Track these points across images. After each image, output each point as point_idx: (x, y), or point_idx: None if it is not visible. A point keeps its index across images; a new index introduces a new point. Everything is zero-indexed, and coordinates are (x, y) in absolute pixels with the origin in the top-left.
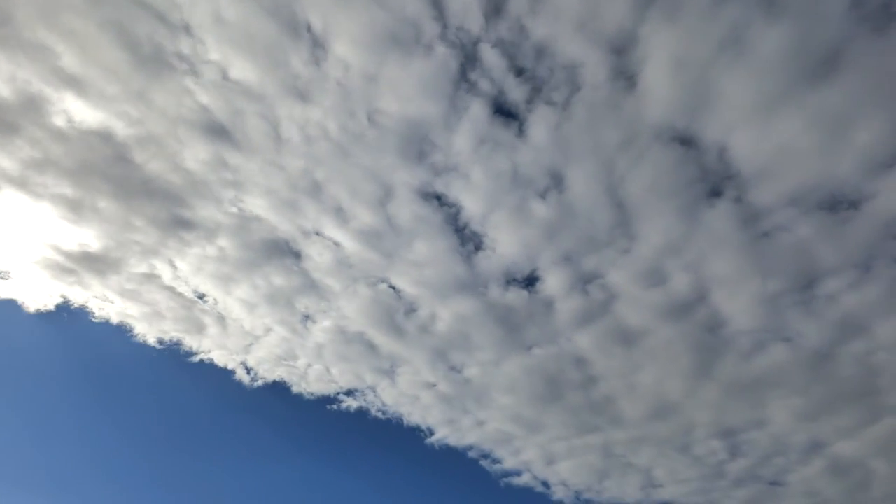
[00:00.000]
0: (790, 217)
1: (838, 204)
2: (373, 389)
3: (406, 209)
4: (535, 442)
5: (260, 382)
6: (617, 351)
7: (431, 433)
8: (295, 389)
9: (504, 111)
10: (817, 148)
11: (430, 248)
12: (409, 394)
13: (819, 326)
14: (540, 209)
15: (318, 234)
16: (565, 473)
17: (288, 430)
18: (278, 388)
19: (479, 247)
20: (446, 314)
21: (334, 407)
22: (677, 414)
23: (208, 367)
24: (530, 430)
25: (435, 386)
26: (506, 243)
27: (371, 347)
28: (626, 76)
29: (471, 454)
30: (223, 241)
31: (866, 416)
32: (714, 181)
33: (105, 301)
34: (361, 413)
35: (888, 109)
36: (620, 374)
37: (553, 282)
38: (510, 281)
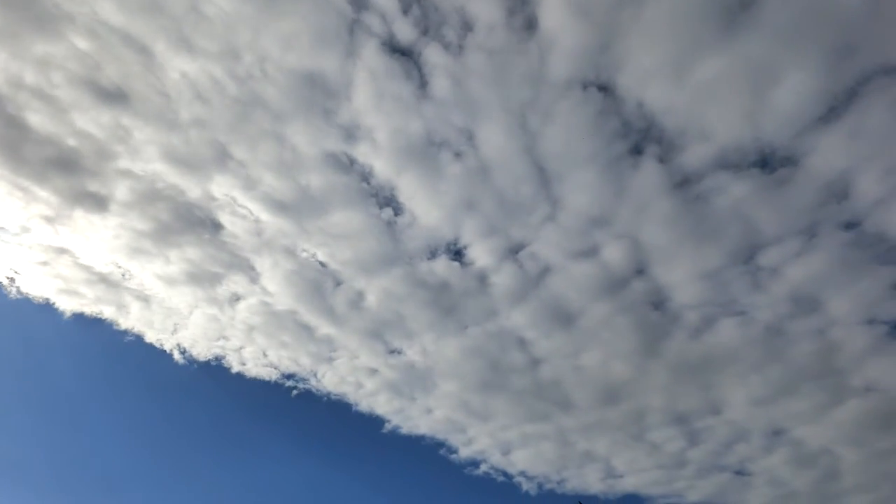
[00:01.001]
0: (722, 178)
1: (773, 162)
2: (314, 374)
3: (317, 174)
4: (487, 430)
5: (194, 363)
6: (557, 330)
7: (384, 421)
8: (234, 370)
9: (398, 50)
10: (742, 100)
11: (346, 217)
12: (350, 380)
13: (767, 301)
14: (454, 171)
15: (230, 202)
16: (523, 463)
17: (226, 411)
18: (214, 369)
19: (397, 212)
20: (374, 290)
21: (278, 390)
22: (628, 398)
23: (138, 344)
24: (480, 419)
25: (377, 371)
26: (424, 210)
27: (304, 328)
28: (522, 16)
29: (426, 443)
30: (128, 212)
31: (827, 398)
32: (635, 139)
33: (16, 275)
34: (306, 397)
35: (818, 57)
36: (564, 356)
37: (480, 253)
38: (435, 252)
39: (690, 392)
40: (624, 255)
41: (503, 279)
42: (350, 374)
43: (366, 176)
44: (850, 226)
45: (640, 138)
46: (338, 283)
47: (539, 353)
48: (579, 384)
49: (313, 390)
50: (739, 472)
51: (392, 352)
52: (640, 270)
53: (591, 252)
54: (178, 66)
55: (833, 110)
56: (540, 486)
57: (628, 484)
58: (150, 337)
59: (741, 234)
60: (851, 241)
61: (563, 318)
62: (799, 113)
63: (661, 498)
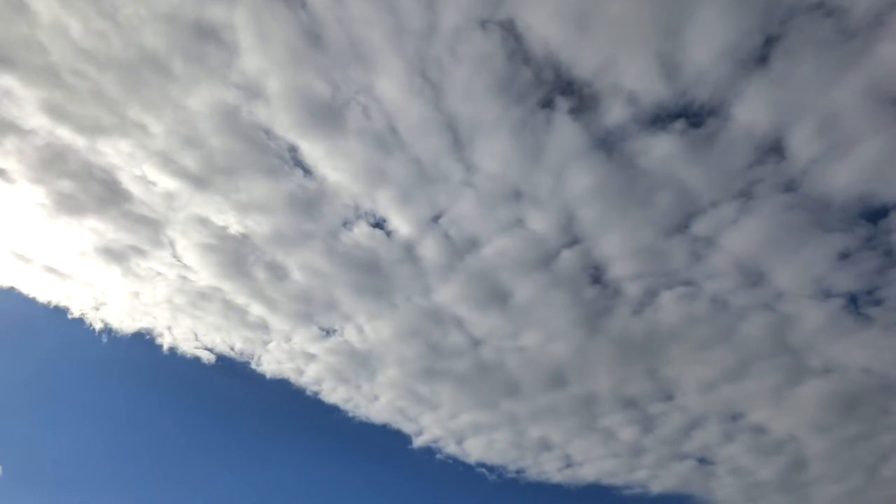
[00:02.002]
0: (645, 135)
1: (697, 115)
2: (251, 357)
3: (219, 138)
4: (436, 419)
5: (120, 340)
6: (492, 308)
7: (331, 408)
8: (166, 350)
9: None
10: (654, 43)
11: (255, 184)
12: (290, 366)
13: (708, 272)
14: (355, 121)
15: (135, 170)
16: (478, 453)
17: (156, 391)
18: (143, 347)
19: (307, 177)
20: (297, 264)
21: (215, 372)
22: (574, 381)
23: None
24: (429, 407)
25: (316, 356)
26: (334, 175)
27: (230, 307)
28: None
29: (381, 431)
30: (27, 182)
31: (783, 379)
32: (546, 89)
33: None
34: (248, 380)
35: None
36: (503, 337)
37: (400, 222)
38: (353, 221)
39: (639, 373)
40: (550, 225)
41: (429, 251)
42: (288, 358)
43: (269, 138)
44: (788, 188)
45: (549, 89)
46: (257, 257)
47: (478, 334)
48: (523, 367)
49: (254, 374)
50: (703, 461)
51: (326, 332)
52: (570, 242)
53: (515, 221)
54: (60, 23)
55: (755, 54)
56: (500, 475)
57: (588, 473)
58: (74, 312)
59: (674, 199)
60: (791, 205)
61: (495, 294)
62: (722, 55)
63: (626, 488)
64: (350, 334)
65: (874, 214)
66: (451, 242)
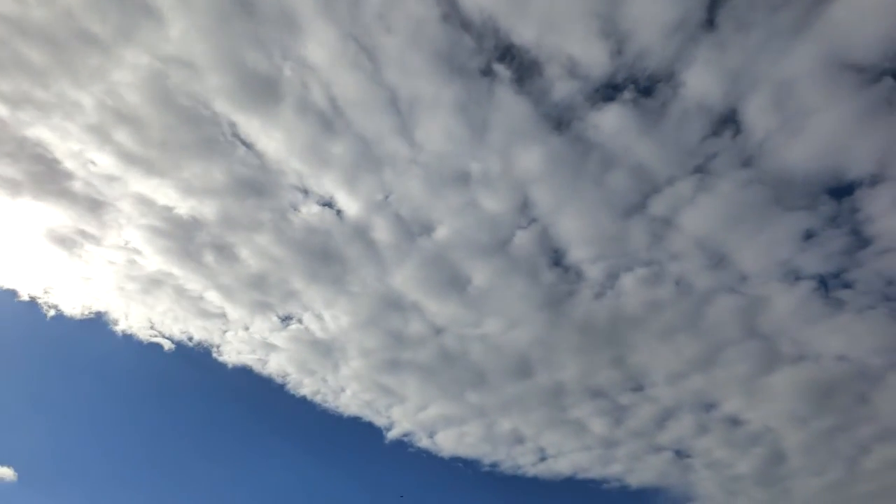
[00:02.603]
0: (591, 104)
1: (646, 83)
2: (212, 346)
3: (157, 117)
4: (405, 412)
5: (73, 324)
6: (451, 294)
7: (297, 397)
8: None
9: None
10: (593, 2)
11: (198, 165)
12: (251, 355)
13: (670, 253)
14: (291, 93)
15: (79, 153)
16: (450, 445)
17: (110, 373)
18: (98, 332)
19: (250, 156)
20: (245, 248)
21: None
22: (541, 370)
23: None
24: (397, 399)
25: (277, 347)
26: (270, 144)
27: (184, 294)
28: None
29: (353, 424)
30: None
31: (754, 367)
32: (486, 57)
33: None
34: (212, 367)
35: None
36: (465, 324)
37: (347, 201)
38: (297, 202)
39: (605, 362)
40: (503, 205)
41: (381, 233)
42: (248, 348)
43: (205, 112)
44: (746, 163)
45: (489, 58)
46: (206, 240)
47: (439, 322)
48: (487, 356)
49: (216, 363)
50: (679, 454)
51: (284, 320)
52: (525, 223)
53: (466, 202)
54: None
55: (702, 17)
56: (475, 470)
57: (563, 467)
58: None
59: (629, 176)
60: (750, 181)
61: (453, 279)
62: (662, 21)
63: (603, 482)
64: (309, 322)
65: (839, 191)
66: (403, 224)
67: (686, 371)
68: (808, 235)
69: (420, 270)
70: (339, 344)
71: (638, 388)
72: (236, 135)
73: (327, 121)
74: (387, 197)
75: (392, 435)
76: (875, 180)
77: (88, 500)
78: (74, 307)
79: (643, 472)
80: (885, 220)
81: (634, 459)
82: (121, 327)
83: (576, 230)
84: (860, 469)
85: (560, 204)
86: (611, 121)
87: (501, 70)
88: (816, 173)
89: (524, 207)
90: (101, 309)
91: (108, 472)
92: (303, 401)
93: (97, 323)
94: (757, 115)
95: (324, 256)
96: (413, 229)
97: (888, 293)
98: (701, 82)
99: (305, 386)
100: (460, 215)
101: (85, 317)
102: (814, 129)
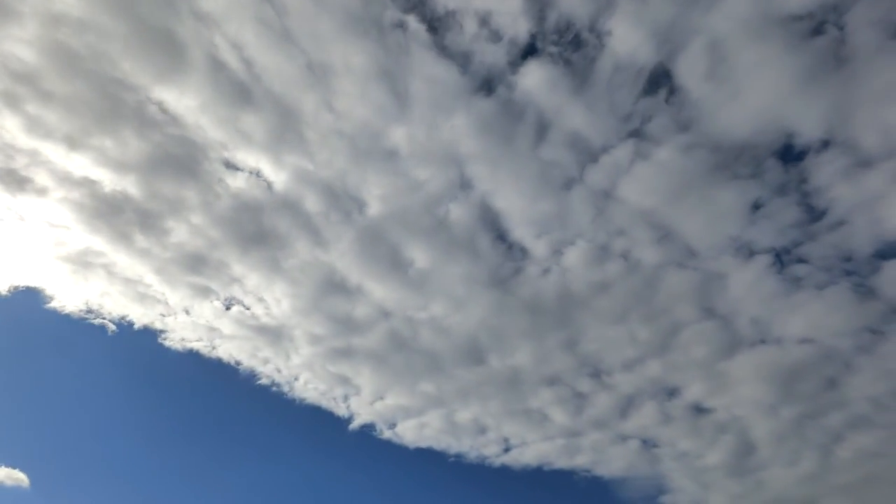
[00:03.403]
0: (514, 62)
1: (572, 36)
2: (156, 329)
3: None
4: (362, 401)
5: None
6: (392, 273)
7: (256, 386)
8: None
9: None
10: None
11: (105, 125)
12: (198, 342)
13: (614, 226)
14: (201, 56)
15: None
16: (413, 436)
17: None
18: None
19: (163, 112)
20: (176, 224)
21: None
22: (494, 355)
23: None
24: (352, 389)
25: (220, 331)
26: (188, 112)
27: (116, 272)
28: None
29: (308, 413)
30: None
31: (713, 350)
32: (398, 8)
33: None
34: (157, 351)
35: None
36: (411, 307)
37: (274, 173)
38: (222, 174)
39: (558, 345)
40: (437, 178)
41: (311, 206)
42: (192, 331)
43: (113, 76)
44: (684, 126)
45: (402, 9)
46: (135, 217)
47: (387, 306)
48: (437, 341)
49: (161, 348)
50: (646, 443)
51: (226, 304)
52: (463, 197)
53: (396, 174)
54: None
55: None
56: (441, 461)
57: (530, 457)
58: None
59: (563, 144)
60: (689, 146)
61: (393, 258)
62: None
63: (572, 473)
64: (252, 305)
65: (786, 157)
66: (335, 197)
67: (642, 355)
68: (757, 206)
69: (357, 248)
70: (287, 330)
71: (595, 375)
72: (150, 100)
73: (242, 85)
74: (309, 170)
75: (354, 426)
76: (824, 145)
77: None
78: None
79: (611, 463)
80: (837, 189)
81: (601, 450)
82: (56, 304)
83: (515, 204)
84: (835, 458)
85: (495, 174)
86: (533, 78)
87: (413, 22)
88: (761, 138)
89: (459, 180)
90: (36, 284)
91: (49, 452)
92: (260, 389)
93: (31, 299)
94: (690, 74)
95: (258, 233)
96: (346, 205)
97: (847, 269)
98: (627, 36)
99: (261, 374)
100: (392, 189)
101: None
102: (753, 89)
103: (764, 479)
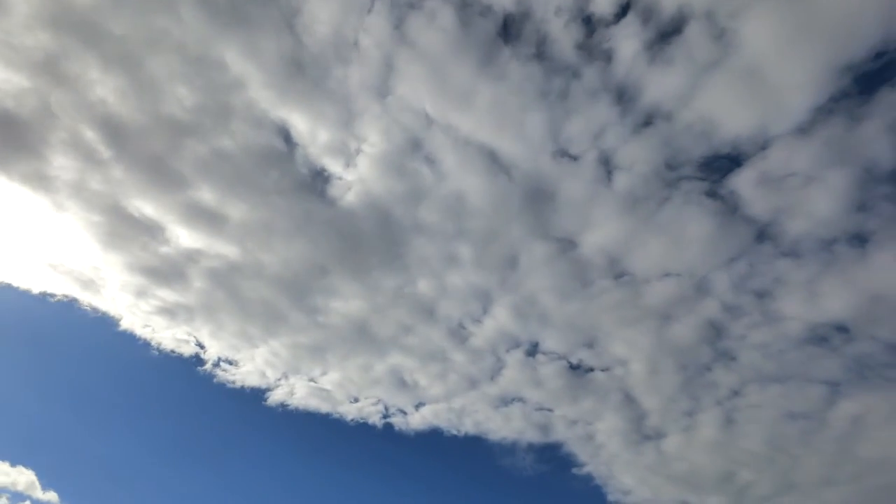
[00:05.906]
0: None
1: None
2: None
3: None
4: (311, 390)
5: None
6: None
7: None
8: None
9: None
10: None
11: None
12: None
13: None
14: None
15: None
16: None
17: None
18: None
19: None
20: None
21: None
22: (329, 302)
23: None
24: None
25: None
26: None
27: None
28: None
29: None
30: None
31: (565, 280)
32: None
33: None
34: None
35: None
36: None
37: None
38: None
39: (385, 282)
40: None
41: None
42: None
43: None
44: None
45: None
46: None
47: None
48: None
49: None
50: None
51: None
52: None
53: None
54: None
55: None
56: (325, 421)
57: (416, 421)
58: None
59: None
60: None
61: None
62: None
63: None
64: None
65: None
66: None
67: (486, 287)
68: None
69: None
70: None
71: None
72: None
73: None
74: None
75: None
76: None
77: None
78: None
79: (504, 428)
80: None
81: (486, 415)
82: None
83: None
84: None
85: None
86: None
87: None
88: None
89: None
90: None
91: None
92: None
93: None
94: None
95: None
96: None
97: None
98: None
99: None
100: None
101: None
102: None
103: (667, 450)
